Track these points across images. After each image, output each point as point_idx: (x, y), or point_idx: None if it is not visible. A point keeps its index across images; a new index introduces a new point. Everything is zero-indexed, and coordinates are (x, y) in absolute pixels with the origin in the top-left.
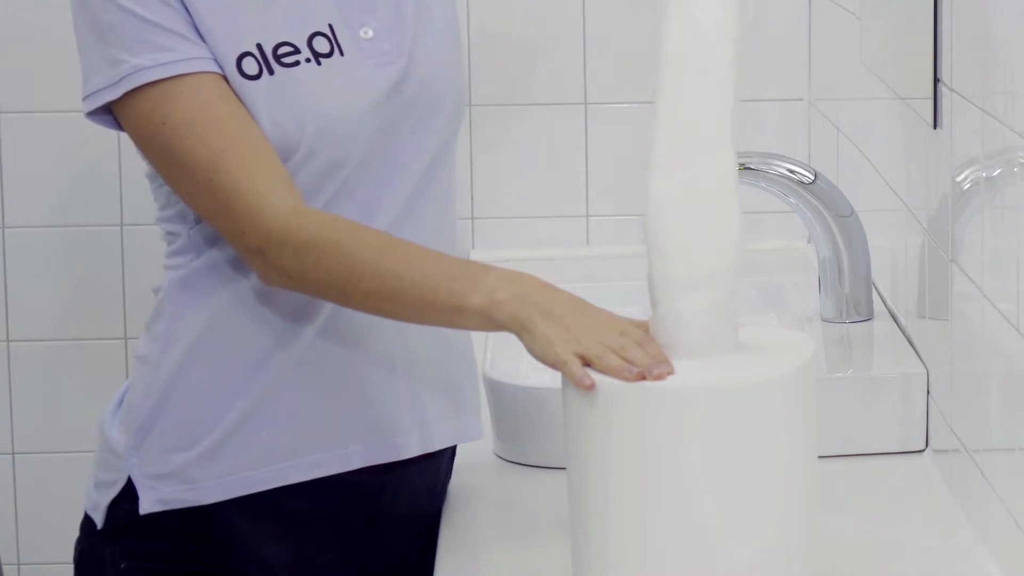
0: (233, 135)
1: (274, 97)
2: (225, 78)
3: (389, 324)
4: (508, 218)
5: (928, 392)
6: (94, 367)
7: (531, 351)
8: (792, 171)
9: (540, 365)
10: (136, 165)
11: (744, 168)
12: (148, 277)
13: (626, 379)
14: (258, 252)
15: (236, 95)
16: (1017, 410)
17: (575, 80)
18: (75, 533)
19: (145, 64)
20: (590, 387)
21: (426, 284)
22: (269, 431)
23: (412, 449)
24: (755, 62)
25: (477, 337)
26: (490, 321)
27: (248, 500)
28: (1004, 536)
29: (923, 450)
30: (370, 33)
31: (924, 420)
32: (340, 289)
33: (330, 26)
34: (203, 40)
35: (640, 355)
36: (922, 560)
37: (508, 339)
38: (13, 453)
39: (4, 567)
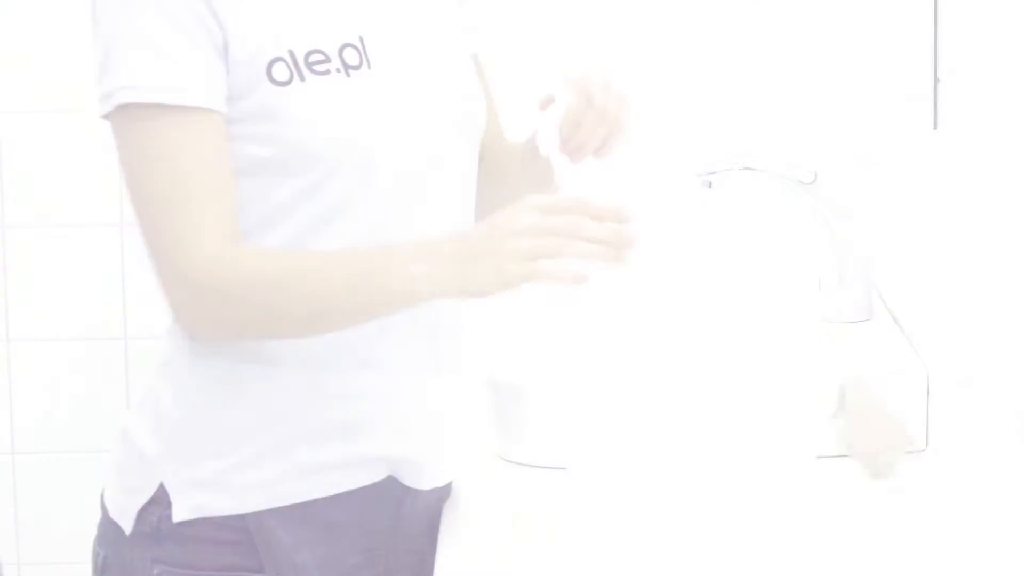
0: (193, 181)
1: (303, 105)
2: (219, 114)
3: (429, 359)
4: None
5: (928, 392)
6: (94, 367)
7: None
8: (792, 171)
9: (541, 365)
10: None
11: (744, 168)
12: (148, 277)
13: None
14: (182, 303)
15: (220, 136)
16: (1017, 410)
17: None
18: (76, 533)
19: (138, 83)
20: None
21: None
22: (312, 447)
23: (429, 482)
24: (755, 62)
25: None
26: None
27: (285, 507)
28: (1004, 536)
29: (923, 450)
30: (396, 52)
31: (924, 420)
32: (273, 325)
33: (360, 38)
34: (223, 61)
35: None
36: (922, 560)
37: (509, 338)
38: (13, 453)
39: (4, 567)
